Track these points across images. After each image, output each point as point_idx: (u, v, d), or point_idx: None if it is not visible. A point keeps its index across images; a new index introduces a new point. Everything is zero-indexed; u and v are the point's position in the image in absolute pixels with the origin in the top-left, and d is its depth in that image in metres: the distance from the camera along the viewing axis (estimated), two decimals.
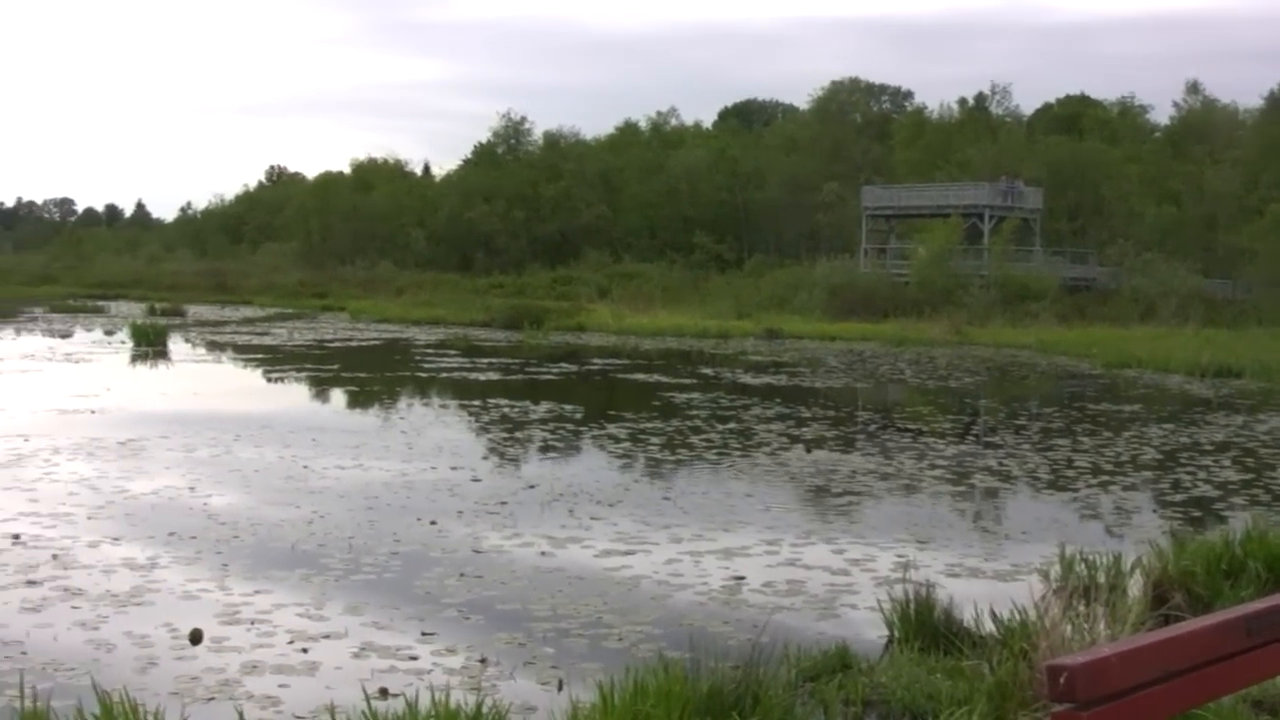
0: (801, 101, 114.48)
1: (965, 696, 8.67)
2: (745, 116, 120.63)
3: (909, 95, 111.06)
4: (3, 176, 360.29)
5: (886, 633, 10.69)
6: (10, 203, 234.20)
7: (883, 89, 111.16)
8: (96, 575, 12.67)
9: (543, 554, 13.85)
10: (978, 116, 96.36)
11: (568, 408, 27.24)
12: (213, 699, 9.20)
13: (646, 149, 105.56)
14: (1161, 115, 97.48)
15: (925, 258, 64.10)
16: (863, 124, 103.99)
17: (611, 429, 24.02)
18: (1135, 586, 11.31)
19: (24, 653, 10.17)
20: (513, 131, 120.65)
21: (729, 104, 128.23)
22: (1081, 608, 9.50)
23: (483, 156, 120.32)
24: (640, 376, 35.48)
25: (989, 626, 10.26)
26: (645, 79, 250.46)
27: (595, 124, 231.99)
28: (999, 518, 16.97)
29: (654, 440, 22.65)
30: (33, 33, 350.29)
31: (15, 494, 16.82)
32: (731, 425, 24.71)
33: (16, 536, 14.30)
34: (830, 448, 22.11)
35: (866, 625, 11.10)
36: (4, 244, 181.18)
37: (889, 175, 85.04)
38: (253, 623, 11.07)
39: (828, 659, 9.70)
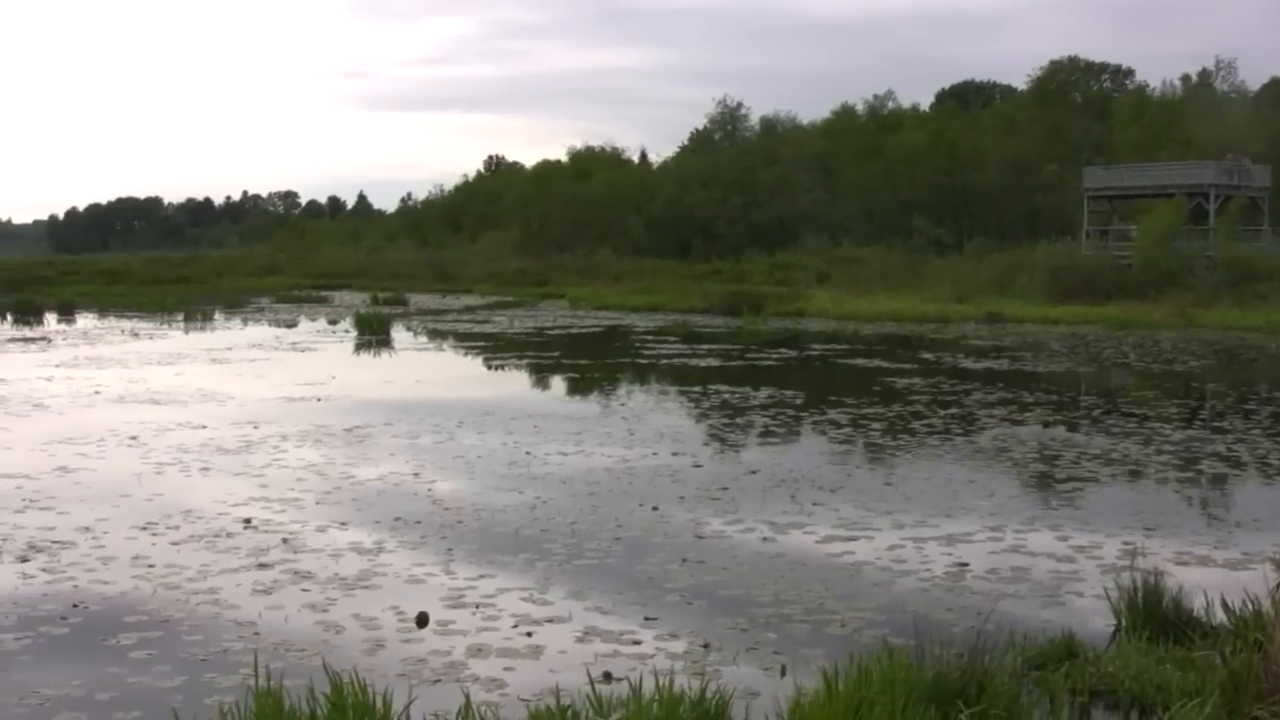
0: (1020, 82, 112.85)
1: (1196, 688, 8.50)
2: (963, 98, 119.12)
3: (1130, 73, 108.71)
4: (230, 171, 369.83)
5: (1113, 621, 10.52)
6: (237, 196, 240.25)
7: (1103, 67, 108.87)
8: (325, 559, 12.94)
9: (765, 540, 13.85)
10: (1202, 93, 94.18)
11: (788, 393, 27.17)
12: (439, 681, 9.34)
13: (863, 132, 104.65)
14: None
15: (1148, 239, 62.76)
16: (1082, 103, 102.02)
17: (832, 414, 23.92)
18: None
19: (257, 633, 10.43)
20: (729, 117, 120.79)
21: (946, 85, 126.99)
22: None
23: (699, 143, 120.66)
24: (860, 361, 35.27)
25: (1220, 616, 10.07)
26: (862, 62, 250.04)
27: (812, 108, 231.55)
28: (1228, 505, 16.59)
29: (875, 425, 22.52)
30: (257, 34, 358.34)
31: (246, 480, 17.24)
32: (953, 410, 24.47)
33: (248, 521, 14.66)
34: (1054, 433, 21.81)
35: (1092, 614, 10.94)
36: (231, 236, 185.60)
37: (1110, 155, 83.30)
38: (477, 606, 11.22)
39: (1053, 647, 9.59)
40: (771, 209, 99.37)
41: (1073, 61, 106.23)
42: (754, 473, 17.93)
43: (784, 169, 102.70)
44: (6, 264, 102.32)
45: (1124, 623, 10.34)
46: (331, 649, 9.98)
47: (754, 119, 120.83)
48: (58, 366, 32.98)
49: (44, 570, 12.51)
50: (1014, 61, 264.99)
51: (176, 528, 14.35)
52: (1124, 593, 10.48)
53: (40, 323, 52.83)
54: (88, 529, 14.27)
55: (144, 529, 14.28)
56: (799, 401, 25.99)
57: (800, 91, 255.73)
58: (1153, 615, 10.14)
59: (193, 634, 10.45)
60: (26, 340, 42.88)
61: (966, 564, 12.78)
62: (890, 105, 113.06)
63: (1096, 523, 14.76)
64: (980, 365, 34.01)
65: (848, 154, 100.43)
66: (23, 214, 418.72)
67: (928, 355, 36.97)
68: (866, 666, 8.24)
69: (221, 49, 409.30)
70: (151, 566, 12.63)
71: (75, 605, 11.31)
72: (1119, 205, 73.91)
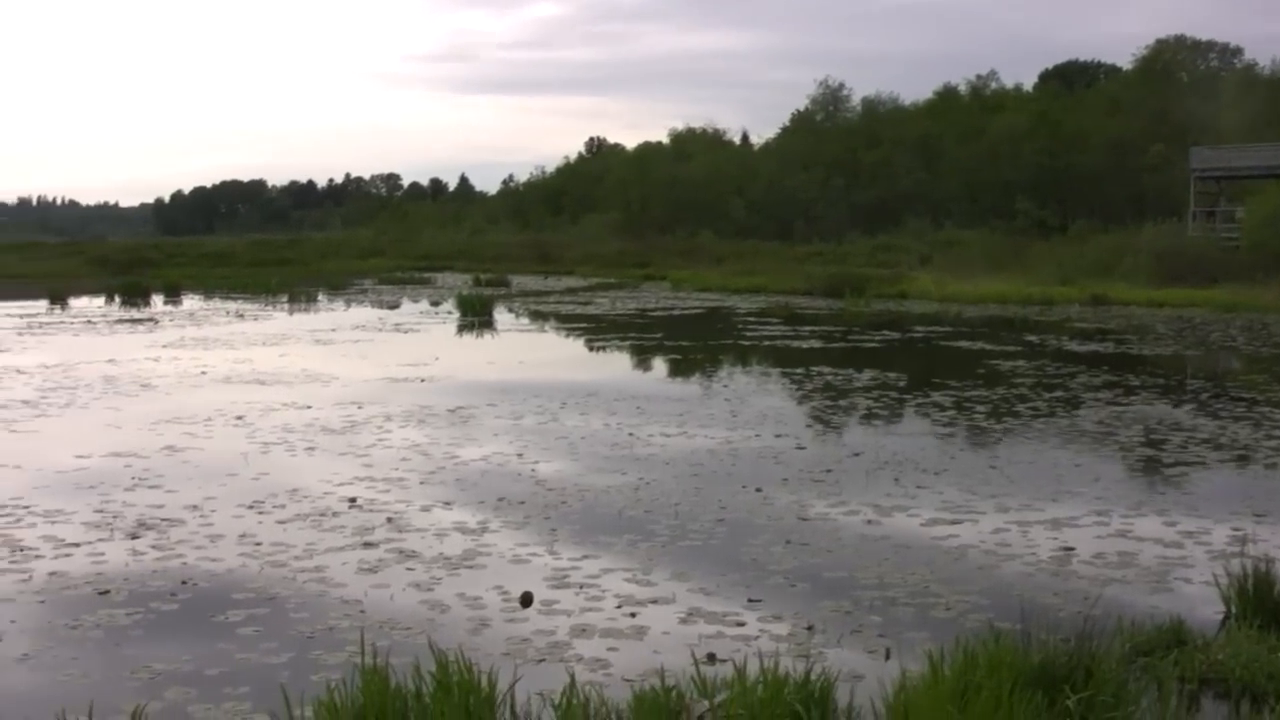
0: (1125, 61, 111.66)
1: None
2: (1066, 78, 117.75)
3: (1238, 51, 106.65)
4: (333, 154, 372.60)
5: (1222, 609, 10.41)
6: (339, 179, 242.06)
7: (1210, 46, 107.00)
8: (429, 538, 13.03)
9: (868, 522, 13.81)
10: None
11: (891, 375, 27.05)
12: (543, 660, 9.39)
13: (966, 113, 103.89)
14: None
15: (1257, 220, 61.76)
16: (1189, 83, 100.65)
17: (936, 396, 23.81)
18: None
19: (362, 611, 10.52)
20: (831, 98, 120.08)
21: (1049, 66, 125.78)
22: None
23: (801, 124, 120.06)
24: (964, 344, 35.05)
25: None
26: (964, 43, 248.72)
27: (914, 89, 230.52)
28: None
29: (979, 408, 22.38)
30: (359, 18, 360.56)
31: (351, 459, 17.38)
32: (1058, 393, 24.27)
33: (353, 500, 14.78)
34: (1161, 415, 21.56)
35: (1201, 601, 10.82)
36: (334, 219, 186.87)
37: (1217, 136, 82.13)
38: (581, 587, 11.27)
39: (1161, 634, 9.50)
40: (873, 190, 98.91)
41: (1179, 40, 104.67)
42: (857, 455, 17.88)
43: (886, 150, 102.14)
44: (114, 246, 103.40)
45: (1233, 610, 10.22)
46: (436, 628, 10.05)
47: (856, 100, 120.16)
48: (165, 347, 33.36)
49: (154, 547, 12.69)
50: (1119, 41, 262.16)
51: (283, 506, 14.50)
52: (1233, 580, 10.36)
53: (147, 304, 53.44)
54: (196, 507, 14.45)
55: (251, 507, 14.44)
56: (902, 384, 25.87)
57: (902, 72, 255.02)
58: (1263, 603, 10.02)
59: (299, 611, 10.56)
60: (134, 321, 43.41)
61: (1072, 548, 12.68)
62: (993, 86, 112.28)
63: (1205, 508, 14.59)
64: (1085, 348, 33.73)
65: (950, 135, 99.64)
66: (129, 197, 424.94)
67: (1031, 338, 36.70)
68: (972, 650, 8.19)
69: (323, 32, 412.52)
70: (258, 544, 12.77)
71: (184, 582, 11.46)
72: (1226, 186, 72.86)
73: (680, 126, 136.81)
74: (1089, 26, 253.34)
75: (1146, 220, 68.37)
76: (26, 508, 14.43)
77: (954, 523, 13.79)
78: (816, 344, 34.78)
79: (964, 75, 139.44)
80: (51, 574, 11.72)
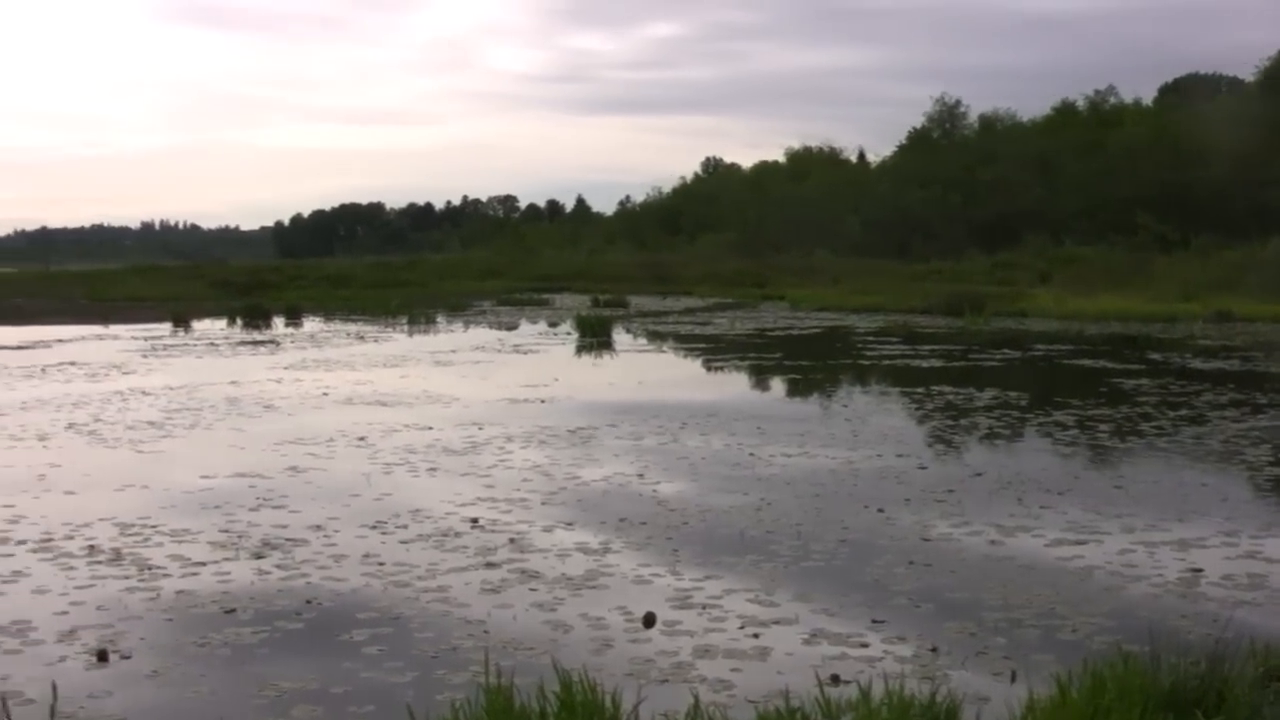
0: (1247, 73, 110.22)
1: None
2: (1187, 91, 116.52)
3: None
4: (451, 176, 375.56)
5: None
6: (457, 201, 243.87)
7: None
8: (552, 559, 13.04)
9: (992, 542, 13.70)
10: None
11: (1012, 394, 26.84)
12: (666, 681, 9.36)
13: (1084, 128, 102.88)
14: None
15: None
16: None
17: (1058, 415, 23.58)
18: None
19: (486, 631, 10.54)
20: (947, 115, 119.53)
21: (1169, 79, 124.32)
22: None
23: (917, 141, 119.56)
24: (1085, 362, 34.72)
25: None
26: (1083, 57, 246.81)
27: (1031, 105, 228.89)
28: None
29: (1102, 427, 22.14)
30: (477, 40, 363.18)
31: (472, 480, 17.44)
32: (1183, 412, 23.97)
33: (475, 520, 14.83)
34: None
35: None
36: (451, 241, 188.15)
37: None
38: (704, 607, 11.23)
39: None
40: (991, 208, 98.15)
41: None
42: (979, 474, 17.74)
43: (1003, 167, 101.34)
44: (235, 269, 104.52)
45: None
46: (559, 648, 10.05)
47: (972, 117, 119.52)
48: (286, 369, 33.68)
49: (278, 567, 12.80)
50: (1240, 53, 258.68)
51: (405, 527, 14.59)
52: None
53: (268, 326, 53.91)
54: (319, 527, 14.57)
55: (373, 528, 14.54)
56: (1023, 402, 25.67)
57: (1020, 88, 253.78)
58: None
59: (423, 631, 10.61)
60: (256, 343, 43.85)
61: (1200, 569, 12.49)
62: (1112, 100, 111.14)
63: None
64: (1210, 365, 33.31)
65: (1068, 151, 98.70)
66: (249, 220, 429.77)
67: (1154, 355, 36.30)
68: (1100, 673, 8.09)
69: (440, 55, 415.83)
70: (381, 564, 12.85)
71: (309, 601, 11.55)
72: None
73: (797, 145, 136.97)
74: (1209, 38, 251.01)
75: (1272, 234, 67.36)
76: (154, 527, 14.61)
77: (1079, 543, 13.64)
78: (936, 363, 34.57)
79: (1082, 90, 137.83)
80: (179, 592, 11.85)
